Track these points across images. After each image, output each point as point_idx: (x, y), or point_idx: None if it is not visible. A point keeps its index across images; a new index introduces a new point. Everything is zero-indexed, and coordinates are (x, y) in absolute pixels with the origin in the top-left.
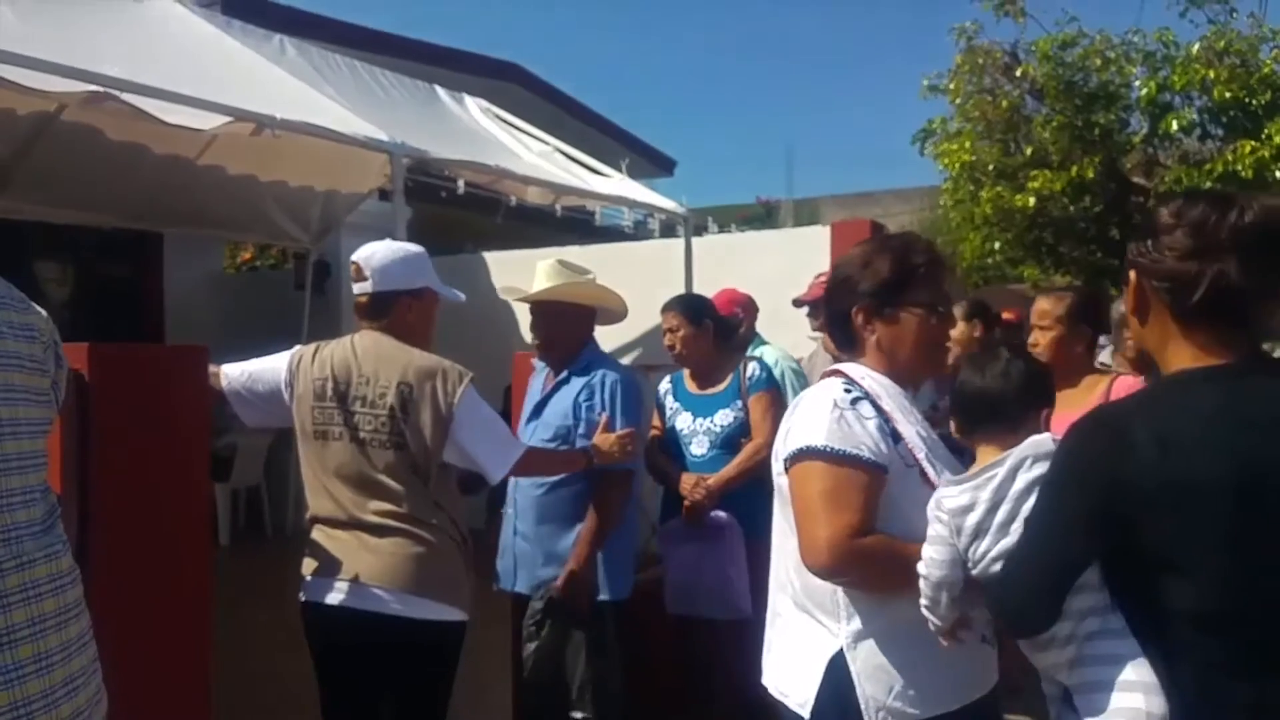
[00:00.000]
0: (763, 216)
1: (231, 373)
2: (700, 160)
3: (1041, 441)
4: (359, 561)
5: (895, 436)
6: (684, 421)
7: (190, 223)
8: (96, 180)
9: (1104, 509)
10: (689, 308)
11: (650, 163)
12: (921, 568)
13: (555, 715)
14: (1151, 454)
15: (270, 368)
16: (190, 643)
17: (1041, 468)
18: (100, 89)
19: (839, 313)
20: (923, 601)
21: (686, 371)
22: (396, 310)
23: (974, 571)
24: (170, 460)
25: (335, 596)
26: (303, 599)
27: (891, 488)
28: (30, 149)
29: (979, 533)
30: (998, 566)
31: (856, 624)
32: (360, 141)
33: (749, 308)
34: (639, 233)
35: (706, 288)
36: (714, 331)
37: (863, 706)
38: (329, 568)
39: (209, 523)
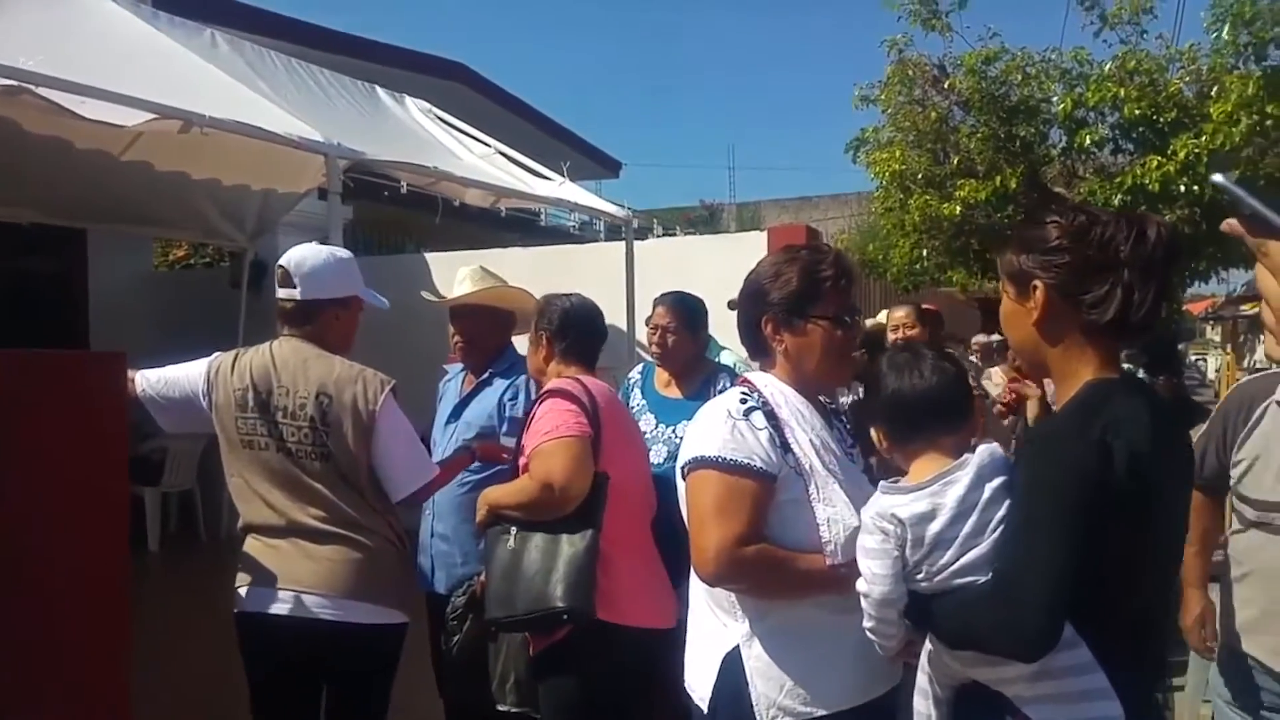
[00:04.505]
0: (706, 219)
1: (149, 378)
2: (645, 163)
3: (996, 450)
4: (297, 569)
5: (786, 446)
6: (646, 424)
7: (116, 219)
8: (13, 175)
9: (1093, 518)
10: (690, 313)
11: (596, 164)
12: (862, 585)
13: (481, 708)
14: (1125, 463)
15: (187, 375)
16: (107, 658)
17: (1002, 477)
18: (15, 83)
19: (750, 321)
20: (866, 624)
21: (658, 370)
22: (322, 319)
23: (925, 585)
24: (84, 471)
25: (273, 605)
26: (237, 610)
27: (780, 496)
28: None
29: (939, 543)
30: (960, 580)
31: (751, 622)
32: (294, 142)
33: (704, 310)
34: (585, 233)
35: (649, 290)
36: (706, 341)
37: (754, 703)
38: (265, 577)
39: (127, 535)
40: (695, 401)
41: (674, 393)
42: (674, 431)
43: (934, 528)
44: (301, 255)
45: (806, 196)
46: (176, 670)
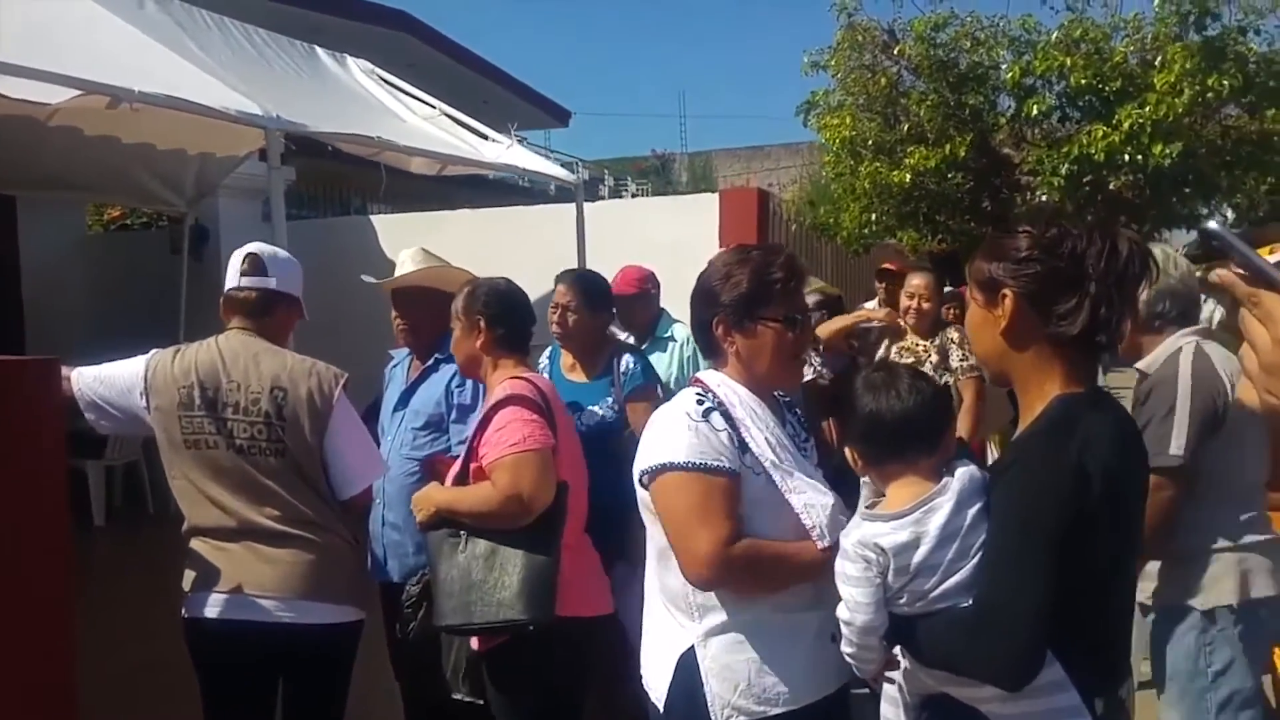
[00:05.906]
0: (658, 169)
1: (85, 377)
2: (596, 111)
3: (974, 472)
4: (251, 573)
5: (743, 446)
6: None
7: (46, 186)
8: None
9: (1069, 541)
10: (589, 289)
11: (545, 114)
12: (843, 612)
13: (437, 695)
14: (1101, 483)
15: (123, 374)
16: (50, 644)
17: (982, 500)
18: None
19: (702, 322)
20: (846, 649)
21: (563, 352)
22: (279, 313)
23: (906, 609)
24: (17, 488)
25: (227, 611)
26: (187, 615)
27: (742, 494)
28: None
29: (923, 570)
30: (942, 605)
31: (707, 623)
32: (232, 116)
33: (656, 283)
34: (534, 186)
35: (600, 253)
36: (608, 321)
37: (709, 702)
38: (215, 580)
39: (68, 560)
40: (599, 382)
41: (579, 376)
42: (579, 419)
43: (918, 556)
44: (272, 248)
45: (759, 146)
46: (123, 652)
